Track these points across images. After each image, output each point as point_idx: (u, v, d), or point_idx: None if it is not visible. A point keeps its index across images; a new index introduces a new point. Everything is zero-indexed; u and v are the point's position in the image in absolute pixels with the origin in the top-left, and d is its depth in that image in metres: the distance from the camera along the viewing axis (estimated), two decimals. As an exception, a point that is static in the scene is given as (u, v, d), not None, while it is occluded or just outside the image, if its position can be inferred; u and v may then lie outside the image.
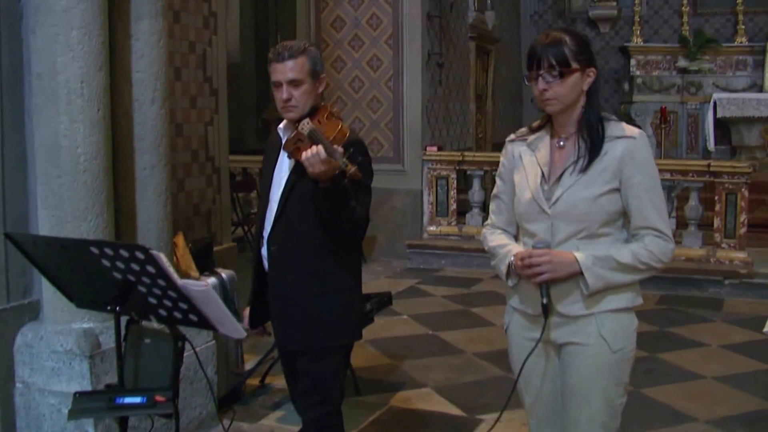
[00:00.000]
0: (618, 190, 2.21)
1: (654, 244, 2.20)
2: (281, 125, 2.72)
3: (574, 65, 2.20)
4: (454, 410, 4.18)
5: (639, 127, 2.47)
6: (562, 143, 2.28)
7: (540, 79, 2.21)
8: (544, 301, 2.21)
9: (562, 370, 2.31)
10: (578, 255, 2.19)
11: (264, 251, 2.73)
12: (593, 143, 2.22)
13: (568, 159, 2.25)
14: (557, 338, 2.29)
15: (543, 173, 2.27)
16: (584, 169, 2.21)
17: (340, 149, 2.34)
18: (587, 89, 2.24)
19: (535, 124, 2.37)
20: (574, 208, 2.21)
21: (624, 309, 2.26)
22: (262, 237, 2.74)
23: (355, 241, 2.77)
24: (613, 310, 2.24)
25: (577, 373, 2.27)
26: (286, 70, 2.58)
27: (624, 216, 2.25)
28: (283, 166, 2.69)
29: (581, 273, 2.17)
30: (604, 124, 2.24)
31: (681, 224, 7.18)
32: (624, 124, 2.28)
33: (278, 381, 4.40)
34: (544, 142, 2.32)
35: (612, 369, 2.26)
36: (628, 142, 2.21)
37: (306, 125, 2.44)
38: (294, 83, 2.58)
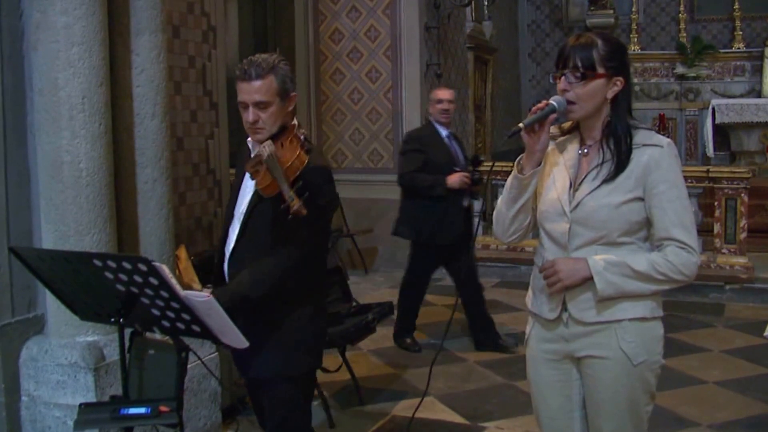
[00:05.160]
0: (641, 199, 2.16)
1: (675, 255, 2.13)
2: (250, 138, 2.60)
3: (600, 70, 2.15)
4: (457, 418, 4.20)
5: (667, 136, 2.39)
6: (586, 151, 2.24)
7: (563, 78, 2.18)
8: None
9: (585, 383, 2.27)
10: (590, 260, 2.14)
11: (225, 268, 2.63)
12: (618, 152, 2.16)
13: (591, 164, 2.21)
14: (576, 351, 2.25)
15: (570, 176, 2.23)
16: (608, 178, 2.15)
17: (289, 190, 2.25)
18: (612, 98, 2.19)
19: (567, 125, 2.31)
20: (594, 214, 2.16)
21: (643, 319, 2.19)
22: (224, 254, 2.64)
23: (315, 267, 2.61)
24: (631, 319, 2.18)
25: (599, 388, 2.22)
26: (252, 90, 2.44)
27: (648, 227, 2.19)
28: (248, 183, 2.56)
29: (592, 278, 2.13)
30: (632, 132, 2.19)
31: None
32: (653, 133, 2.22)
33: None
34: (572, 144, 2.28)
35: (635, 382, 2.20)
36: (654, 151, 2.15)
37: (265, 149, 2.33)
38: (261, 105, 2.45)
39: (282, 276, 2.46)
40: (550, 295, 2.24)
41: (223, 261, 2.65)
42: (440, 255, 5.31)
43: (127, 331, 2.40)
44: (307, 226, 2.39)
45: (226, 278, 2.62)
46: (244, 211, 2.56)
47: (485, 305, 5.47)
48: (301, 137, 2.48)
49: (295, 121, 2.58)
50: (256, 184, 2.36)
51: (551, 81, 2.27)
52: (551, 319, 2.26)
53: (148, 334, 2.47)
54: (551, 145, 2.29)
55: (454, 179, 5.06)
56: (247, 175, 2.52)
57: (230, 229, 2.62)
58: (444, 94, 5.34)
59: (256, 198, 2.50)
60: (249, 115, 2.46)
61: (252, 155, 2.50)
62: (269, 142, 2.40)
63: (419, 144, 5.26)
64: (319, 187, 2.44)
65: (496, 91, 11.00)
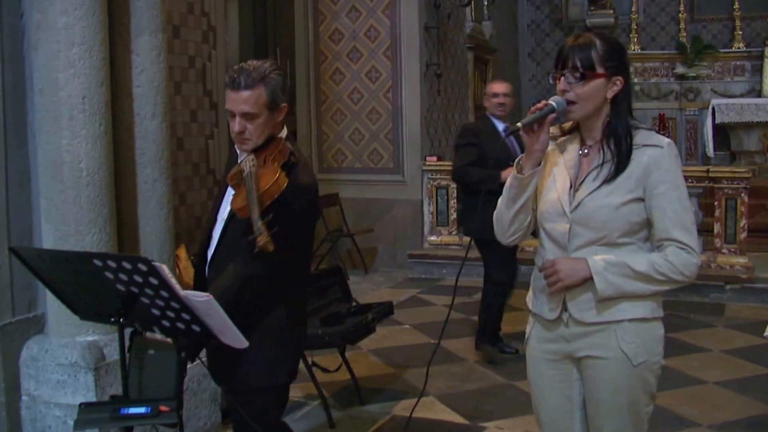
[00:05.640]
0: (642, 199, 2.15)
1: (675, 255, 2.13)
2: (236, 146, 2.52)
3: (599, 70, 2.15)
4: (457, 418, 4.20)
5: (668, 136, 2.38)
6: (586, 151, 2.24)
7: (562, 78, 2.17)
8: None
9: (585, 383, 2.27)
10: (590, 260, 2.14)
11: (206, 273, 2.58)
12: (619, 152, 2.15)
13: (592, 164, 2.21)
14: (576, 351, 2.24)
15: (570, 176, 2.23)
16: (608, 178, 2.15)
17: (258, 221, 2.15)
18: (612, 97, 2.19)
19: (567, 125, 2.31)
20: (594, 215, 2.15)
21: (643, 319, 2.19)
22: (206, 258, 2.58)
23: (290, 276, 2.52)
24: (631, 320, 2.17)
25: (599, 388, 2.22)
26: (240, 101, 2.35)
27: (648, 228, 2.19)
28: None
29: (592, 278, 2.13)
30: (633, 133, 2.18)
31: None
32: (653, 133, 2.21)
33: (281, 392, 4.41)
34: (572, 145, 2.28)
35: (635, 382, 2.20)
36: (654, 151, 2.15)
37: (247, 164, 2.27)
38: (248, 116, 2.36)
39: (243, 287, 2.37)
40: (550, 295, 2.24)
41: (204, 264, 2.59)
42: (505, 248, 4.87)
43: (127, 331, 2.40)
44: (279, 240, 2.25)
45: (207, 282, 2.57)
46: (226, 217, 2.50)
47: (503, 311, 5.32)
48: (287, 153, 2.39)
49: (284, 132, 2.51)
50: (231, 204, 2.33)
51: (551, 82, 2.28)
52: (551, 319, 2.26)
53: (148, 334, 2.47)
54: (551, 145, 2.29)
55: (509, 173, 4.87)
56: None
57: (213, 233, 2.57)
58: (500, 87, 5.19)
59: None
60: (235, 125, 2.38)
61: (239, 160, 2.44)
62: (252, 157, 2.33)
63: (474, 137, 5.10)
64: (301, 205, 2.40)
65: (496, 91, 10.99)
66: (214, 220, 2.59)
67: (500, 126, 5.13)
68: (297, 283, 2.57)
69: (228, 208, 2.51)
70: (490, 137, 5.06)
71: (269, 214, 2.19)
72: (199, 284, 2.60)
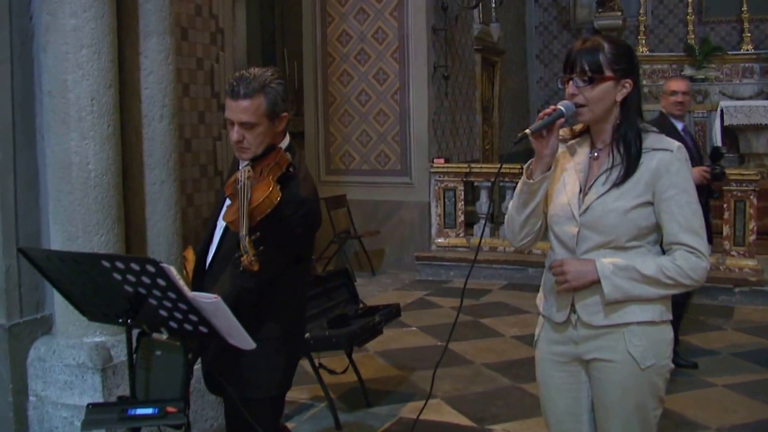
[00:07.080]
0: (651, 203, 2.15)
1: (684, 259, 2.12)
2: (236, 154, 2.50)
3: (608, 73, 2.15)
4: (464, 421, 4.19)
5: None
6: (596, 154, 2.24)
7: (571, 82, 2.17)
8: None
9: (593, 386, 2.26)
10: (598, 263, 2.14)
11: (204, 281, 2.54)
12: (628, 156, 2.15)
13: (601, 168, 2.21)
14: (584, 353, 2.24)
15: (580, 180, 2.23)
16: (618, 182, 2.15)
17: (245, 239, 2.12)
18: (621, 100, 2.18)
19: (578, 127, 2.30)
20: (603, 219, 2.15)
21: (651, 322, 2.18)
22: (204, 264, 2.55)
23: (286, 288, 2.47)
24: (640, 323, 2.17)
25: (607, 391, 2.22)
26: (238, 110, 2.31)
27: (657, 231, 2.18)
28: None
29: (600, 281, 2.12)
30: (642, 136, 2.18)
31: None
32: (663, 136, 2.21)
33: (288, 393, 4.41)
34: (582, 148, 2.27)
35: (643, 386, 2.19)
36: (664, 155, 2.15)
37: (243, 175, 2.25)
38: (246, 126, 2.33)
39: (236, 300, 2.32)
40: (559, 297, 2.24)
41: (202, 271, 2.56)
42: None
43: (135, 332, 2.41)
44: (272, 250, 2.23)
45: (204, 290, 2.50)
46: (224, 226, 2.45)
47: (681, 318, 4.84)
48: (285, 164, 2.35)
49: (285, 141, 2.47)
50: (223, 216, 2.32)
51: (560, 86, 2.27)
52: (560, 321, 2.26)
53: (155, 335, 2.48)
54: (562, 148, 2.29)
55: (693, 175, 4.55)
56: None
57: (212, 240, 2.55)
58: (679, 85, 4.87)
59: None
60: (233, 134, 2.35)
61: (240, 167, 2.41)
62: (248, 168, 2.30)
63: None
64: (298, 218, 2.36)
65: (504, 93, 11.00)
66: (213, 227, 2.57)
67: (679, 125, 4.80)
68: (294, 295, 2.54)
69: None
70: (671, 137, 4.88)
71: (258, 231, 2.16)
72: (197, 291, 2.54)
